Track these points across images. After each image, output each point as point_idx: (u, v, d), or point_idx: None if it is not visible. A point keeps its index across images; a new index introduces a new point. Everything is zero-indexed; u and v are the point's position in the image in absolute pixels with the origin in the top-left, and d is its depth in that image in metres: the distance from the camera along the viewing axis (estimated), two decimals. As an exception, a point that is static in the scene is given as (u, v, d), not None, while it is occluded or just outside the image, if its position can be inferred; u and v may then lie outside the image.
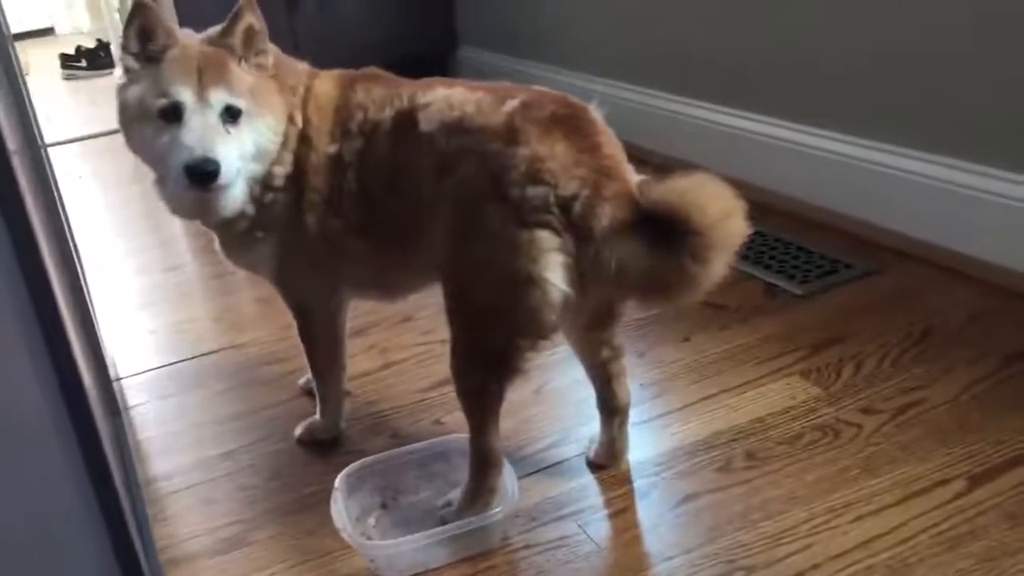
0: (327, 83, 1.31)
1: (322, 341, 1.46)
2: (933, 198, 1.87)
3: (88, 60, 5.29)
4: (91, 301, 1.80)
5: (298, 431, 1.53)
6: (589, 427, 1.43)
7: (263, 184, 1.28)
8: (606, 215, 1.07)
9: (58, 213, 1.63)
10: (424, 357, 1.76)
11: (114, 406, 1.61)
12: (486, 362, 1.20)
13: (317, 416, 1.52)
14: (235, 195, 1.26)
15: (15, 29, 4.47)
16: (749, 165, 2.24)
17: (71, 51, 5.35)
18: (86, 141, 3.80)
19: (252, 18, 1.24)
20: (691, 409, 1.50)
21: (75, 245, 1.87)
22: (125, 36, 1.22)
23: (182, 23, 1.36)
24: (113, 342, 1.96)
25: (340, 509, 1.22)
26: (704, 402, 1.52)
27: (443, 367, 1.30)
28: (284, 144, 1.27)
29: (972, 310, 1.69)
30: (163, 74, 1.19)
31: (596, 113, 1.17)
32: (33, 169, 1.30)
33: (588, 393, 1.39)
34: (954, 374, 1.50)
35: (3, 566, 0.56)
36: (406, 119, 1.22)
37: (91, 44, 5.39)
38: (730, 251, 1.05)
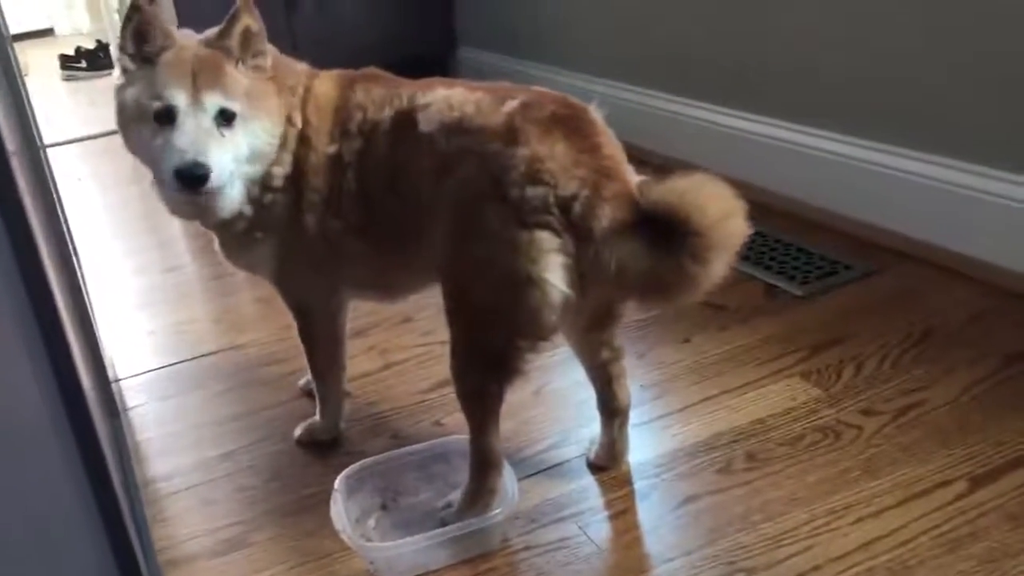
0: (326, 83, 1.31)
1: (322, 342, 1.46)
2: (933, 199, 1.87)
3: (88, 61, 5.29)
4: (90, 302, 1.80)
5: (298, 432, 1.53)
6: (589, 428, 1.43)
7: (262, 185, 1.28)
8: (606, 216, 1.07)
9: (57, 214, 1.63)
10: (424, 358, 1.75)
11: (113, 407, 1.61)
12: (486, 363, 1.19)
13: (317, 417, 1.52)
14: (231, 197, 1.26)
15: (14, 30, 4.48)
16: (749, 166, 2.24)
17: (71, 52, 5.35)
18: (85, 142, 3.80)
19: (249, 20, 1.23)
20: (691, 410, 1.50)
21: (74, 246, 1.87)
22: (122, 37, 1.22)
23: (182, 23, 1.36)
24: (112, 343, 1.96)
25: (340, 510, 1.22)
26: (704, 403, 1.51)
27: (443, 368, 1.30)
28: (283, 145, 1.27)
29: (972, 311, 1.69)
30: (158, 76, 1.19)
31: (596, 114, 1.17)
32: (32, 170, 1.30)
33: (588, 394, 1.39)
34: (954, 375, 1.50)
35: (2, 567, 0.56)
36: (406, 119, 1.21)
37: (91, 45, 5.39)
38: (730, 252, 1.05)
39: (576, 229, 1.08)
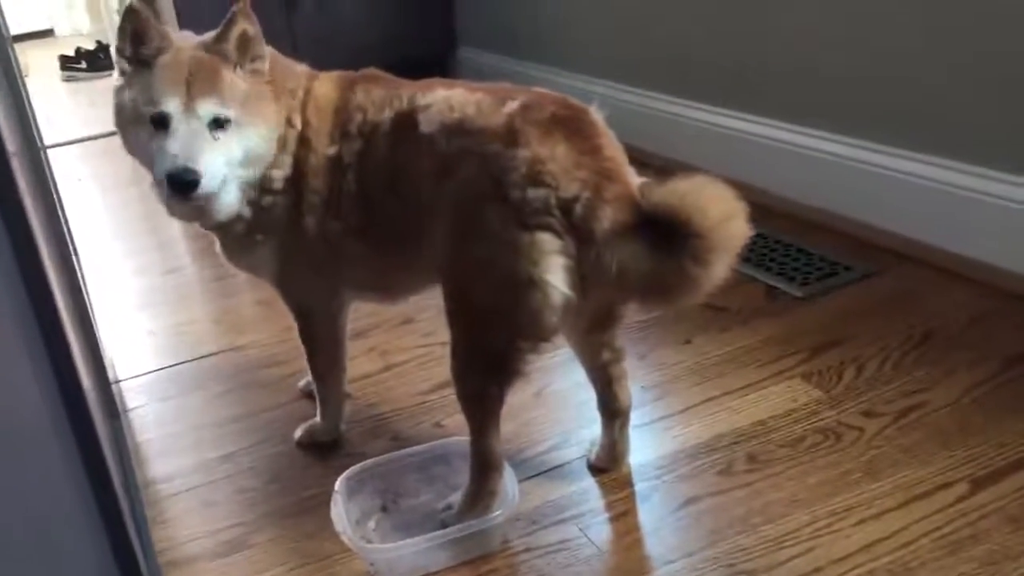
0: (326, 85, 1.31)
1: (323, 343, 1.46)
2: (933, 200, 1.87)
3: (88, 62, 5.29)
4: (90, 303, 1.80)
5: (298, 433, 1.53)
6: (590, 430, 1.43)
7: (261, 187, 1.28)
8: (607, 217, 1.07)
9: (57, 215, 1.63)
10: (424, 359, 1.75)
11: (113, 408, 1.61)
12: (487, 364, 1.19)
13: (317, 418, 1.52)
14: (227, 200, 1.25)
15: (15, 31, 4.47)
16: (750, 167, 2.24)
17: (71, 53, 5.35)
18: (85, 143, 3.80)
19: (246, 24, 1.22)
20: (692, 412, 1.50)
21: (74, 247, 1.87)
22: (119, 39, 1.22)
23: (182, 25, 1.36)
24: (112, 344, 1.96)
25: (340, 512, 1.22)
26: (705, 405, 1.51)
27: (444, 369, 1.30)
28: (283, 147, 1.27)
29: (972, 312, 1.69)
30: (153, 81, 1.19)
31: (597, 115, 1.17)
32: (32, 171, 1.30)
33: (589, 396, 1.38)
34: (955, 377, 1.50)
35: (2, 568, 0.56)
36: (406, 120, 1.21)
37: (91, 46, 5.39)
38: (731, 253, 1.05)
39: (577, 231, 1.08)
